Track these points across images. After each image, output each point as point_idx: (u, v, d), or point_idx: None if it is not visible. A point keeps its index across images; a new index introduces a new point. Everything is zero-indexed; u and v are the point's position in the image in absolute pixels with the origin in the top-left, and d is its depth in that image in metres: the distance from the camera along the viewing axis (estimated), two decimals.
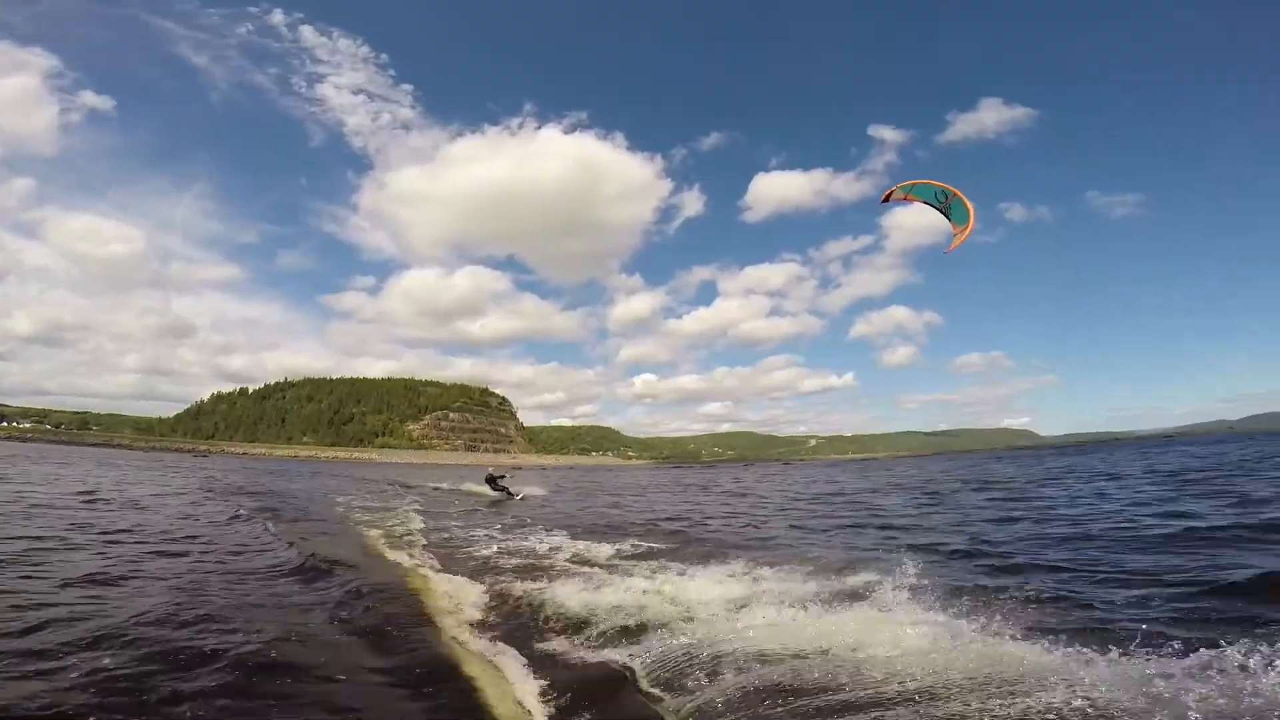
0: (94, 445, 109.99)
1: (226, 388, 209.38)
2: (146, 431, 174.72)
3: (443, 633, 5.12)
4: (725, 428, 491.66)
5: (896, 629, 4.69)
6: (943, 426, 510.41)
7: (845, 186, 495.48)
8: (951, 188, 9.00)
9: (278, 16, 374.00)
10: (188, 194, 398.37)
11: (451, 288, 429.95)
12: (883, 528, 12.02)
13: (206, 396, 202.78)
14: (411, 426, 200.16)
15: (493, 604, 6.20)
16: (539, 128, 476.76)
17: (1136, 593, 6.08)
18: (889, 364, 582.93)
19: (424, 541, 10.24)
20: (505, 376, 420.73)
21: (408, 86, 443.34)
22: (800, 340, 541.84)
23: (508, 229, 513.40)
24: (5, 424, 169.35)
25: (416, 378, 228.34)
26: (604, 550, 9.20)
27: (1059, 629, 4.70)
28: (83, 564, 6.81)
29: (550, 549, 9.40)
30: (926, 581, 5.95)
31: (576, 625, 5.42)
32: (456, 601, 6.10)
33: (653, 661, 4.46)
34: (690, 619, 5.35)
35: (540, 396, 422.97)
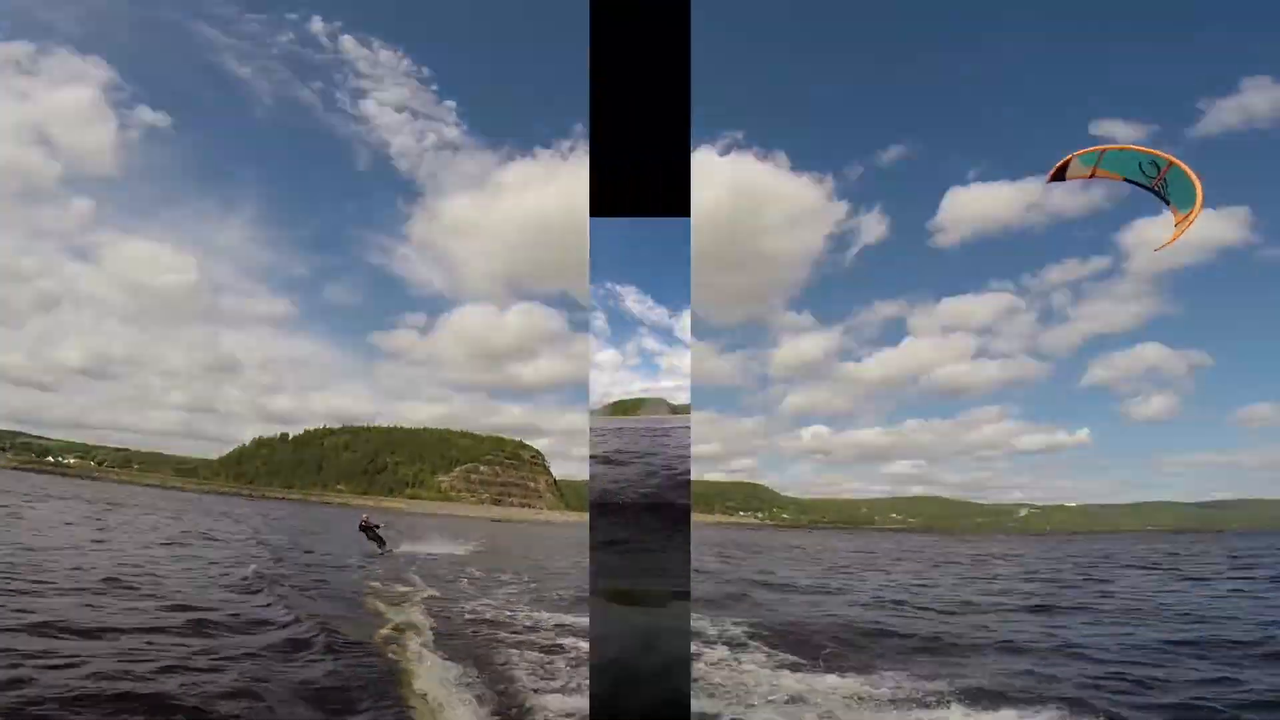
0: (150, 486, 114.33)
1: (269, 429, 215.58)
2: (189, 474, 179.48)
3: None
4: (916, 490, 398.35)
5: None
6: (1217, 495, 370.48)
7: (1069, 198, 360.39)
8: (1168, 155, 7.20)
9: (317, 24, 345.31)
10: (236, 218, 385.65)
11: (503, 327, 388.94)
12: None
13: (248, 439, 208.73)
14: (441, 479, 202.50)
15: None
16: None
17: None
18: (1139, 417, 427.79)
19: None
20: (552, 425, 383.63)
21: (450, 103, 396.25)
22: (1016, 387, 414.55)
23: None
24: (51, 459, 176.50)
25: (452, 429, 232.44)
26: None
27: None
28: None
29: None
30: None
31: None
32: None
33: None
34: None
35: (695, 447, 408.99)
